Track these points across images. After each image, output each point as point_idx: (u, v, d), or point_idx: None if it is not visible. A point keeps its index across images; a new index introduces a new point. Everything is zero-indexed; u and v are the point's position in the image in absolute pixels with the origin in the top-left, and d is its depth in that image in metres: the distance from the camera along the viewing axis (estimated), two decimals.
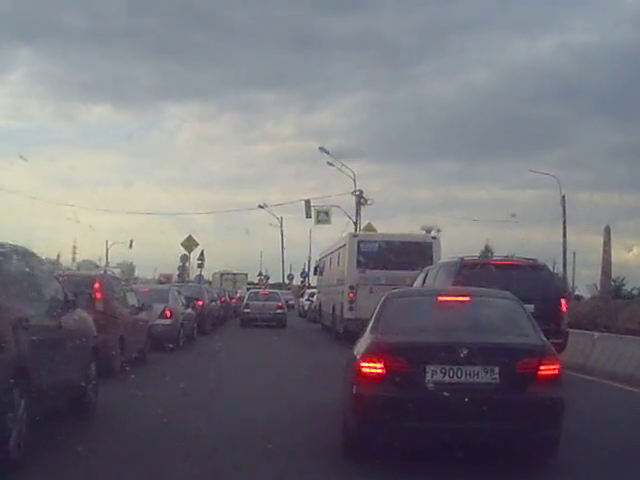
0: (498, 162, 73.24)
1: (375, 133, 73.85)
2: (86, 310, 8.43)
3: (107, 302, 10.58)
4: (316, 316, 29.95)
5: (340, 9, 71.36)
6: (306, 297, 39.46)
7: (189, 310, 18.26)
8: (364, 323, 17.83)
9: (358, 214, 38.43)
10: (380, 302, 6.72)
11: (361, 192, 38.42)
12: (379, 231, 32.95)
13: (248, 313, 28.18)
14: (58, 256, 50.72)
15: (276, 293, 31.54)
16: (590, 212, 60.21)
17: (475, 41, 69.51)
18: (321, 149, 38.41)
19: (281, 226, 54.29)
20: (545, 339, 6.10)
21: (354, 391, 5.71)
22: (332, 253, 24.06)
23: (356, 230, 35.55)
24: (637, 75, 62.02)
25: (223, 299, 30.54)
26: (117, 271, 38.68)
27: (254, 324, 26.88)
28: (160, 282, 43.03)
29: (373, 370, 5.62)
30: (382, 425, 5.50)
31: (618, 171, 63.09)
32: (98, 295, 10.30)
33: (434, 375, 5.51)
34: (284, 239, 55.45)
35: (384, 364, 5.58)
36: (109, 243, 56.79)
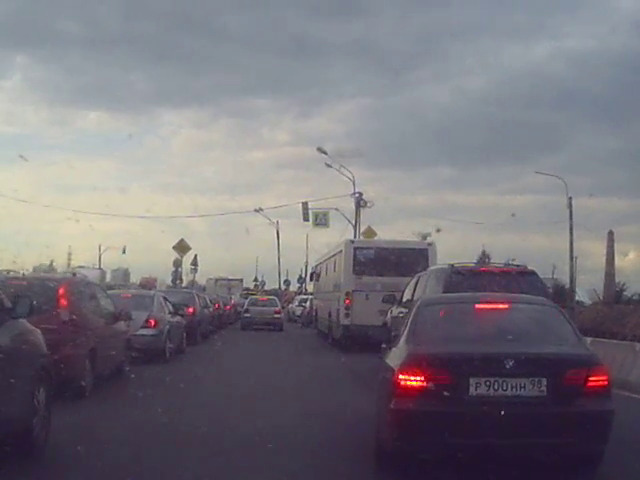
0: (495, 167, 73.27)
1: (371, 139, 73.56)
2: (48, 320, 7.27)
3: (74, 310, 8.96)
4: (310, 321, 30.91)
5: (336, 15, 72.10)
6: (297, 303, 40.62)
7: (177, 318, 16.59)
8: (362, 329, 18.35)
9: (357, 217, 36.95)
10: (413, 310, 6.49)
11: (360, 194, 36.84)
12: (378, 234, 32.84)
13: (248, 317, 30.69)
14: (52, 262, 49.04)
15: (274, 299, 33.71)
16: (586, 218, 60.96)
17: (471, 47, 70.88)
18: (319, 149, 36.86)
19: (277, 230, 53.09)
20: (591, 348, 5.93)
21: (392, 405, 5.45)
22: (328, 259, 24.01)
23: (355, 233, 34.82)
24: (633, 80, 62.46)
25: (217, 306, 28.90)
26: (95, 274, 36.61)
27: (253, 327, 29.31)
28: (142, 287, 41.20)
29: (413, 383, 5.39)
30: (422, 440, 5.36)
31: (616, 176, 63.42)
32: (63, 302, 8.69)
33: (478, 388, 5.32)
34: (280, 244, 54.25)
35: (425, 376, 5.36)
36: (102, 248, 55.66)
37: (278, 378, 12.34)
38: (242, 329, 29.89)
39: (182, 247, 32.74)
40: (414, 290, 13.06)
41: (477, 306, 6.45)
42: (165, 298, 16.58)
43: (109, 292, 17.26)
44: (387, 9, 70.31)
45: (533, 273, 11.97)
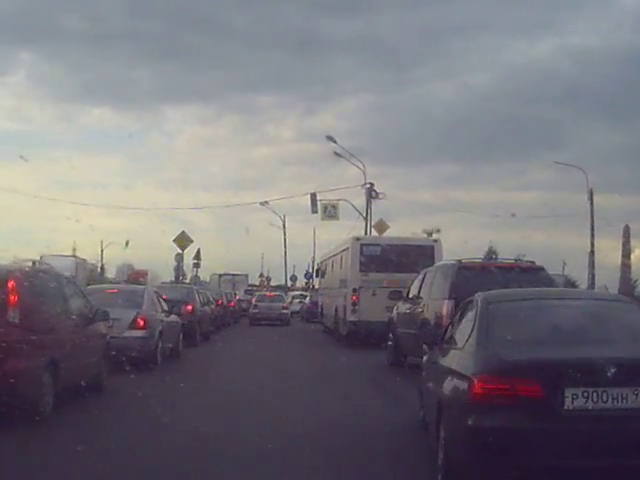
0: (499, 164, 73.02)
1: (375, 135, 72.32)
2: None
3: (27, 310, 6.98)
4: (310, 315, 33.27)
5: (340, 11, 70.48)
6: (290, 299, 41.14)
7: (172, 317, 14.72)
8: (368, 325, 18.49)
9: (369, 209, 34.86)
10: (478, 307, 5.72)
11: (372, 185, 34.74)
12: (390, 226, 32.88)
13: (257, 313, 32.24)
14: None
15: (281, 295, 35.86)
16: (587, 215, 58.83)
17: (475, 43, 68.86)
18: (328, 138, 34.90)
19: (284, 224, 51.01)
20: None
21: (471, 421, 4.66)
22: (335, 256, 23.98)
23: (366, 226, 33.77)
24: (637, 77, 62.61)
25: (220, 302, 27.03)
26: (67, 263, 32.35)
27: (261, 322, 30.47)
28: (132, 281, 37.83)
29: (497, 394, 4.61)
30: (507, 462, 4.56)
31: (619, 173, 62.52)
32: (12, 299, 6.67)
33: (575, 400, 4.60)
34: (286, 240, 52.27)
35: (510, 387, 4.60)
36: (104, 243, 53.67)
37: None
38: (250, 324, 31.24)
39: (183, 240, 30.31)
40: (420, 286, 13.03)
41: (553, 302, 5.98)
42: (158, 294, 14.66)
43: (93, 287, 15.55)
44: (390, 5, 69.98)
45: (541, 269, 11.78)
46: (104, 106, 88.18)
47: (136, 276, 48.20)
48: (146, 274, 49.40)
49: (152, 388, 9.48)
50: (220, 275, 49.73)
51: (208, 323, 21.05)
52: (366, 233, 33.12)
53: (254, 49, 75.22)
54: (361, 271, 19.43)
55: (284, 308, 32.76)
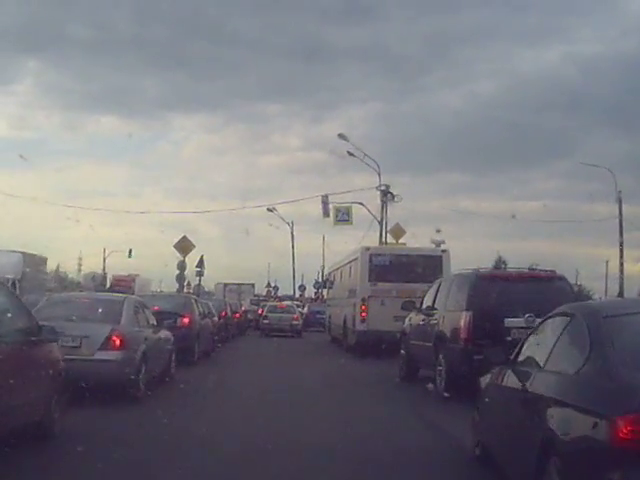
0: (505, 172, 71.51)
1: (382, 144, 72.69)
2: None
3: None
4: (309, 323, 35.15)
5: (347, 20, 71.65)
6: None
7: (162, 333, 12.49)
8: (377, 335, 18.62)
9: (384, 213, 33.20)
10: (587, 322, 4.64)
11: (387, 187, 32.95)
12: (406, 232, 32.62)
13: (267, 324, 31.99)
14: (57, 267, 44.43)
15: (292, 306, 35.27)
16: (598, 223, 62.02)
17: (481, 52, 70.32)
18: (340, 136, 33.84)
19: (292, 232, 49.91)
20: None
21: (616, 476, 3.50)
22: (343, 266, 24.25)
23: (381, 231, 32.98)
24: None
25: (224, 313, 25.05)
26: (13, 259, 27.26)
27: (272, 334, 29.88)
28: (115, 289, 34.33)
29: None
30: None
31: (626, 181, 61.01)
32: None
33: None
34: (295, 248, 51.00)
35: None
36: (107, 252, 52.23)
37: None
38: (260, 336, 30.94)
39: (184, 245, 28.81)
40: (435, 297, 12.84)
41: None
42: (143, 305, 12.32)
43: (59, 295, 13.38)
44: (397, 14, 70.15)
45: (562, 278, 11.59)
46: (111, 114, 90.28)
47: (120, 283, 43.04)
48: (133, 280, 45.49)
49: (123, 431, 7.48)
50: (225, 284, 48.48)
51: (209, 337, 18.98)
52: (381, 238, 32.19)
53: (261, 57, 76.77)
54: (370, 281, 19.75)
55: (295, 319, 32.68)
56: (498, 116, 69.30)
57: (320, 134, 78.61)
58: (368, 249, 21.01)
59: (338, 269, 26.11)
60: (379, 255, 20.66)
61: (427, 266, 19.34)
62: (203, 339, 17.64)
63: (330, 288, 29.43)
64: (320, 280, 46.11)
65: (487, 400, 6.44)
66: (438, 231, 28.39)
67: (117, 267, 44.82)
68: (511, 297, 11.19)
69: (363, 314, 19.65)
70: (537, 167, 71.20)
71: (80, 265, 59.51)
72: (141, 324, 11.45)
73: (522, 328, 10.69)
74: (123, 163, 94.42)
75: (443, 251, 20.64)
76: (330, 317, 27.83)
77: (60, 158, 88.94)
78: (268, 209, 43.78)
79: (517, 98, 70.28)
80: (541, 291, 10.95)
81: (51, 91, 79.18)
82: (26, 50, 76.88)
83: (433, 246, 23.32)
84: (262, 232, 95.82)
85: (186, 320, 16.11)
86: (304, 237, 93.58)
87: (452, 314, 11.67)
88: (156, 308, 13.91)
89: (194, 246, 29.72)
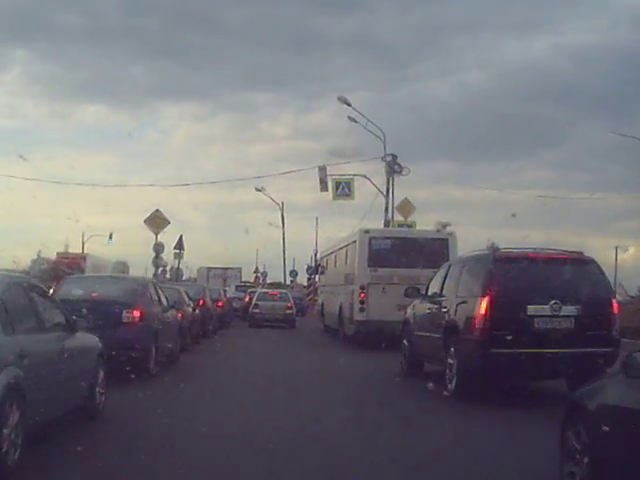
0: (495, 162, 72.39)
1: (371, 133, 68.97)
2: None
3: None
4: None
5: (337, 9, 71.08)
6: None
7: (79, 339, 7.38)
8: (378, 325, 17.32)
9: (390, 186, 29.30)
10: None
11: (394, 157, 28.96)
12: (416, 208, 29.89)
13: (257, 314, 28.59)
14: (39, 253, 39.00)
15: (286, 293, 31.46)
16: (587, 213, 58.80)
17: (471, 41, 69.17)
18: (340, 99, 29.32)
19: (282, 214, 46.89)
20: None
21: None
22: (339, 250, 22.53)
23: (387, 207, 29.49)
24: (633, 75, 62.22)
25: (201, 302, 20.13)
26: None
27: (263, 324, 27.03)
28: (55, 270, 28.25)
29: None
30: None
31: (616, 171, 62.00)
32: None
33: None
34: (285, 232, 48.01)
35: None
36: (86, 236, 49.54)
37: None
38: (250, 326, 27.75)
39: (156, 221, 24.78)
40: (443, 282, 11.38)
41: None
42: (42, 293, 7.21)
43: None
44: (387, 3, 68.95)
45: (592, 261, 10.21)
46: (99, 103, 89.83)
47: (63, 262, 34.09)
48: (82, 259, 37.98)
49: None
50: (209, 269, 44.89)
51: (174, 337, 13.68)
52: (386, 215, 29.30)
53: (250, 47, 75.75)
54: (370, 266, 18.24)
55: (289, 308, 29.26)
56: (488, 106, 68.04)
57: (309, 123, 78.10)
58: (367, 232, 19.37)
59: (332, 253, 24.42)
60: (379, 238, 19.03)
61: (432, 250, 17.94)
62: (165, 339, 12.57)
63: (322, 274, 27.79)
64: (313, 265, 42.73)
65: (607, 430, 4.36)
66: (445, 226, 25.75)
67: (97, 252, 42.71)
68: (534, 281, 9.82)
69: (362, 303, 18.17)
70: (528, 156, 70.75)
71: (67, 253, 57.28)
72: (32, 327, 6.37)
73: (547, 317, 9.47)
74: (112, 152, 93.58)
75: (449, 234, 18.93)
76: (323, 305, 26.14)
77: (49, 147, 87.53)
78: (256, 189, 41.99)
79: (507, 88, 69.50)
80: (567, 275, 9.77)
81: (39, 80, 77.85)
82: (14, 39, 76.22)
83: (436, 230, 21.23)
84: (253, 220, 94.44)
85: (136, 314, 11.09)
86: (296, 225, 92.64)
87: (465, 301, 10.20)
88: (93, 295, 10.93)
89: (168, 222, 25.81)
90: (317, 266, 30.34)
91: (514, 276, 9.63)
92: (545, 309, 9.37)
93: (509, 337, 9.29)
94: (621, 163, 66.86)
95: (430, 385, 10.14)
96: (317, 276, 30.60)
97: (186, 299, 17.71)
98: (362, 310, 18.18)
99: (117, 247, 51.01)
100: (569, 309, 9.42)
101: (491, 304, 9.45)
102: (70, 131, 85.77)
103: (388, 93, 74.23)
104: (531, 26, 71.40)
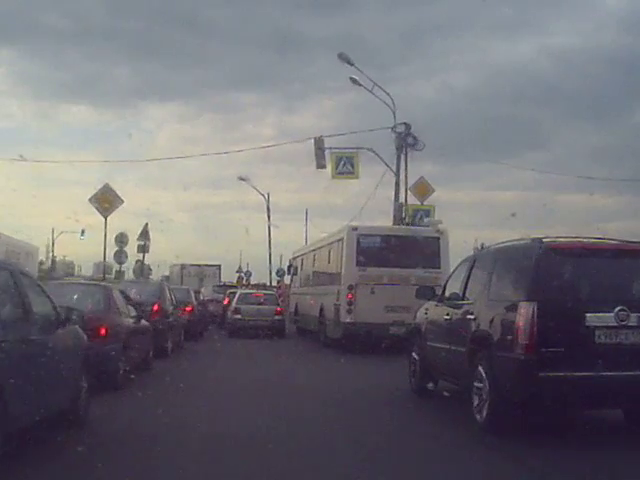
0: (479, 164, 71.06)
1: (356, 135, 67.81)
2: None
3: None
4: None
5: (321, 10, 71.95)
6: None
7: (73, 334, 6.79)
8: (366, 327, 17.09)
9: (402, 161, 24.65)
10: None
11: (408, 126, 24.17)
12: (435, 190, 26.51)
13: (239, 319, 23.82)
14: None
15: (273, 295, 26.95)
16: (570, 214, 59.83)
17: (456, 43, 69.52)
18: (340, 57, 24.35)
19: (268, 206, 41.61)
20: None
21: None
22: (320, 249, 21.57)
23: (397, 186, 24.89)
24: (618, 78, 62.13)
25: (156, 308, 14.95)
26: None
27: (246, 333, 22.73)
28: None
29: None
30: None
31: (599, 173, 60.69)
32: None
33: None
34: (271, 227, 42.72)
35: None
36: (56, 232, 46.71)
37: None
38: (229, 336, 23.18)
39: (105, 198, 19.69)
40: (466, 280, 9.12)
41: None
42: (31, 279, 6.68)
43: None
44: (372, 4, 69.07)
45: None
46: (84, 103, 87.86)
47: None
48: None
49: None
50: (182, 266, 39.76)
51: (127, 355, 10.37)
52: (396, 195, 24.81)
53: (235, 47, 77.35)
54: (358, 265, 17.44)
55: (277, 313, 24.08)
56: (473, 107, 68.04)
57: (293, 124, 78.49)
58: (355, 229, 18.34)
59: (311, 252, 23.18)
60: (368, 235, 18.14)
61: (422, 249, 17.50)
62: (110, 360, 9.52)
63: (295, 274, 26.51)
64: (285, 267, 38.50)
65: None
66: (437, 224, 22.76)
67: (68, 250, 41.19)
68: (594, 281, 7.53)
69: (350, 304, 17.31)
70: (512, 158, 70.23)
71: (52, 253, 56.20)
72: None
73: (612, 328, 7.21)
74: (95, 152, 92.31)
75: (441, 232, 18.15)
76: (297, 306, 24.59)
77: (32, 147, 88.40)
78: (240, 178, 39.50)
79: (492, 89, 70.15)
80: (632, 271, 7.63)
81: (24, 80, 79.09)
82: None
83: (428, 227, 19.71)
84: (236, 219, 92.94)
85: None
86: (284, 227, 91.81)
87: (501, 306, 7.86)
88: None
89: (122, 201, 20.74)
90: (289, 267, 29.03)
91: (569, 274, 7.45)
92: (610, 317, 7.13)
93: (562, 356, 7.05)
94: (605, 165, 67.33)
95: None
96: (291, 276, 28.17)
97: (119, 305, 11.27)
98: (349, 312, 17.38)
99: (92, 245, 49.08)
100: None
101: (539, 312, 7.14)
102: (54, 131, 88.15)
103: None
104: (516, 28, 72.29)
